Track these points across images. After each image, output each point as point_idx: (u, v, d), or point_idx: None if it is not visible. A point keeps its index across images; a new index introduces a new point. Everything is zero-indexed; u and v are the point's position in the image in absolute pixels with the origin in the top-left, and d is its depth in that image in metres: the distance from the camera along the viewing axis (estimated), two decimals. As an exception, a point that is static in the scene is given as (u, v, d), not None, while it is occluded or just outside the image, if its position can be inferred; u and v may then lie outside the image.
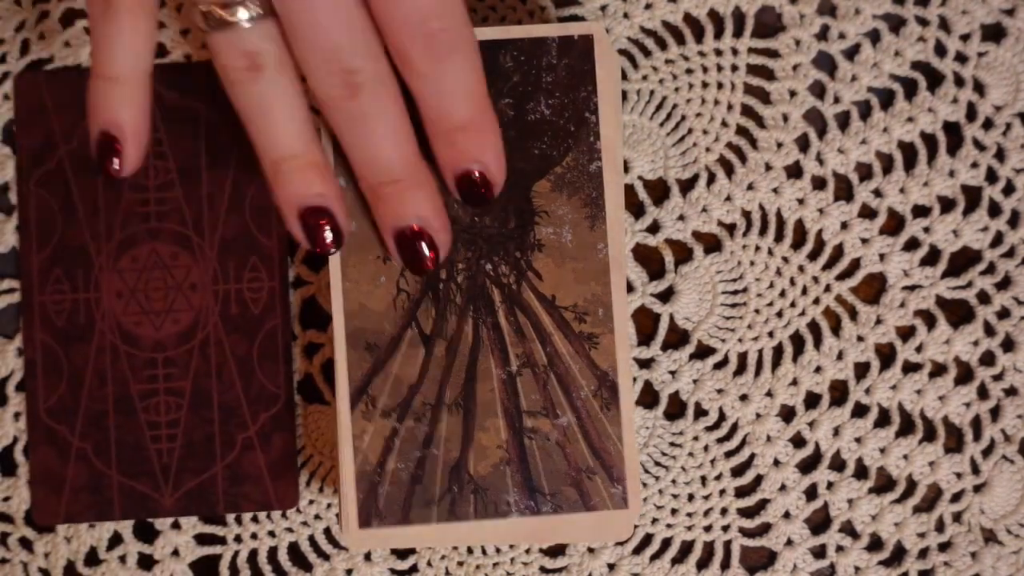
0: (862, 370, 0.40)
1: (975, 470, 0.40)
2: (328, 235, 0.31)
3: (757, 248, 0.40)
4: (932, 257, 0.40)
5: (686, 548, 0.40)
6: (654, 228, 0.40)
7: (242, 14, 0.28)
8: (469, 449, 0.34)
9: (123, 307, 0.37)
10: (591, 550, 0.39)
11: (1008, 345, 0.40)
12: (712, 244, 0.40)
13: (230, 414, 0.37)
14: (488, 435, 0.34)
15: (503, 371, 0.34)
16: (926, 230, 0.40)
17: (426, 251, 0.31)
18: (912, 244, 0.40)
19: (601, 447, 0.34)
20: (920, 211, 0.40)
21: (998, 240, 0.40)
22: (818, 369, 0.40)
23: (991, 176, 0.40)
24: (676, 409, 0.40)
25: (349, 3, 0.28)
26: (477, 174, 0.31)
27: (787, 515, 0.40)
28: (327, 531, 0.39)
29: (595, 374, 0.34)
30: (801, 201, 0.40)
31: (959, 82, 0.39)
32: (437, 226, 0.32)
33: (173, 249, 0.38)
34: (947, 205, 0.40)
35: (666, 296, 0.40)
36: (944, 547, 0.40)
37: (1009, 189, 0.40)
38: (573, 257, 0.34)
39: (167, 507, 0.37)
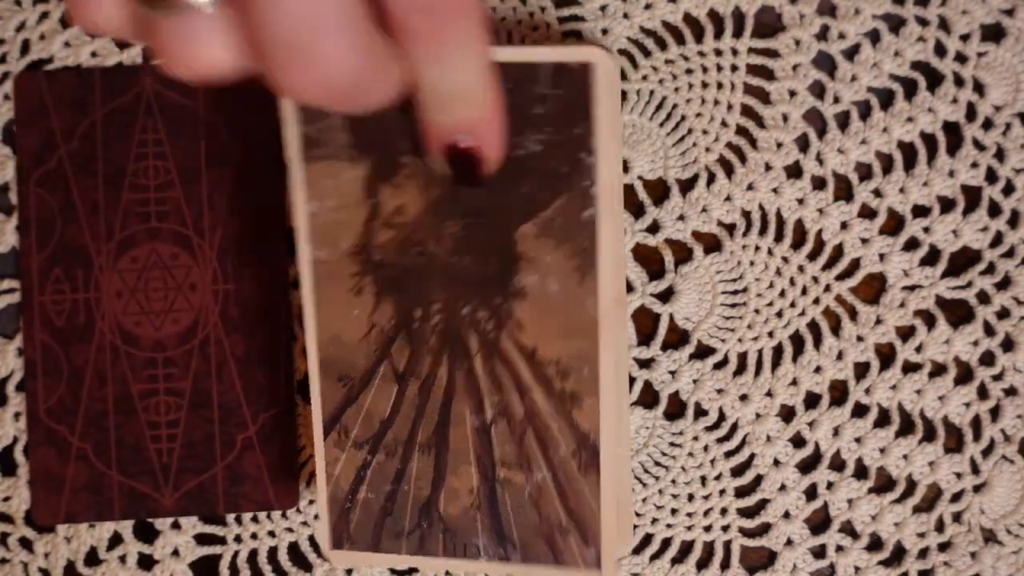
0: (862, 370, 0.40)
1: (975, 470, 0.40)
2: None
3: (757, 248, 0.40)
4: (932, 257, 0.40)
5: (686, 548, 0.40)
6: (654, 228, 0.40)
7: None
8: (440, 489, 0.33)
9: (123, 307, 0.37)
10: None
11: (1008, 345, 0.40)
12: (712, 244, 0.40)
13: (230, 414, 0.37)
14: (460, 479, 0.33)
15: (477, 419, 0.32)
16: (926, 230, 0.40)
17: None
18: (912, 244, 0.40)
19: (576, 507, 0.32)
20: (920, 211, 0.40)
21: (998, 240, 0.40)
22: (818, 369, 0.40)
23: (991, 176, 0.40)
24: (676, 409, 0.40)
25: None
26: (469, 146, 0.27)
27: (787, 515, 0.40)
28: (327, 531, 0.39)
29: (575, 434, 0.32)
30: (801, 201, 0.40)
31: (959, 82, 0.39)
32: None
33: (173, 249, 0.38)
34: (947, 205, 0.40)
35: (666, 296, 0.40)
36: (944, 547, 0.40)
37: (1009, 189, 0.40)
38: (558, 309, 0.31)
39: (167, 507, 0.37)
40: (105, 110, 0.38)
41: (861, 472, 0.40)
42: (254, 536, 0.39)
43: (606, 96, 0.30)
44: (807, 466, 0.40)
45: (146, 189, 0.38)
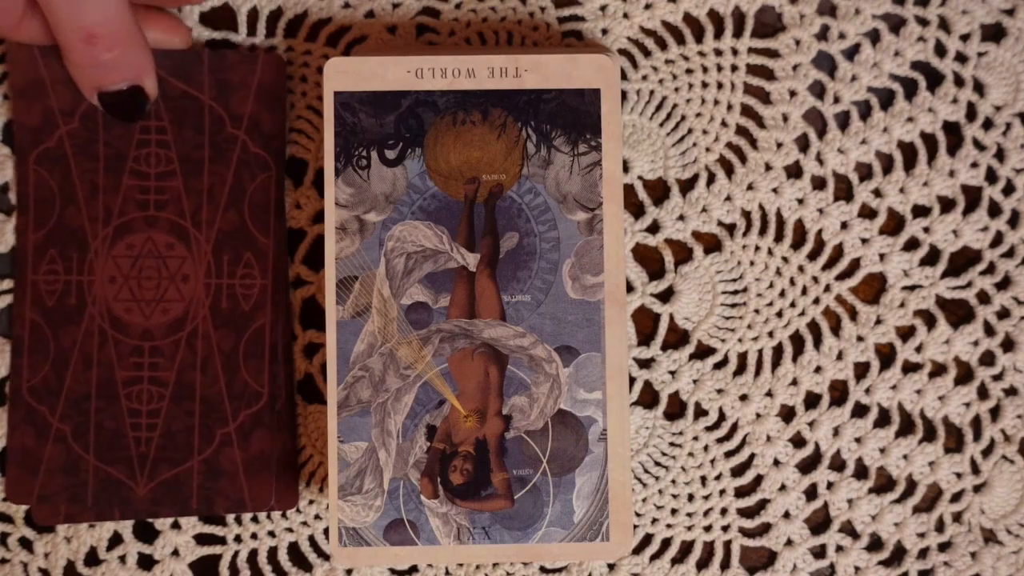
0: (862, 370, 0.40)
1: (975, 470, 0.40)
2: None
3: (757, 248, 0.40)
4: (932, 257, 0.40)
5: (686, 548, 0.40)
6: (654, 228, 0.40)
7: None
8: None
9: (115, 292, 0.37)
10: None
11: (1008, 345, 0.40)
12: (712, 244, 0.40)
13: (211, 409, 0.37)
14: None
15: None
16: (926, 230, 0.40)
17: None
18: (912, 244, 0.40)
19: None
20: (920, 211, 0.40)
21: (998, 240, 0.40)
22: (818, 369, 0.40)
23: (991, 176, 0.40)
24: (676, 409, 0.40)
25: None
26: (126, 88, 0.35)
27: (787, 515, 0.40)
28: (327, 531, 0.39)
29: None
30: (801, 201, 0.40)
31: (959, 82, 0.39)
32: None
33: (169, 239, 0.37)
34: (947, 205, 0.40)
35: (666, 296, 0.40)
36: (944, 547, 0.40)
37: (1009, 189, 0.40)
38: None
39: (140, 496, 0.37)
40: None
41: (861, 472, 0.40)
42: (254, 536, 0.39)
43: (611, 108, 0.33)
44: (807, 466, 0.40)
45: (147, 176, 0.37)
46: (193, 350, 0.37)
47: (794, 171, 0.40)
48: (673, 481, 0.40)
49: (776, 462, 0.40)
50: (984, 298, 0.40)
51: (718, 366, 0.40)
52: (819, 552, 0.40)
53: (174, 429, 0.37)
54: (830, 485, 0.40)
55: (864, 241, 0.40)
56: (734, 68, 0.39)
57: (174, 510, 0.37)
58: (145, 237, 0.37)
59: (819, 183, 0.40)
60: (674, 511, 0.40)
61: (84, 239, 0.37)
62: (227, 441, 0.37)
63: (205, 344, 0.37)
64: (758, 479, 0.40)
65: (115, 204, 0.37)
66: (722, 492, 0.40)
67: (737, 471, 0.40)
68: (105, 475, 0.37)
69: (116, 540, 0.39)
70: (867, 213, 0.40)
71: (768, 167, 0.39)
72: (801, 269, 0.40)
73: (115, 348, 0.37)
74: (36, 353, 0.37)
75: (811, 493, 0.40)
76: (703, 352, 0.40)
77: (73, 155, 0.37)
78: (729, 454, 0.40)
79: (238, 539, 0.39)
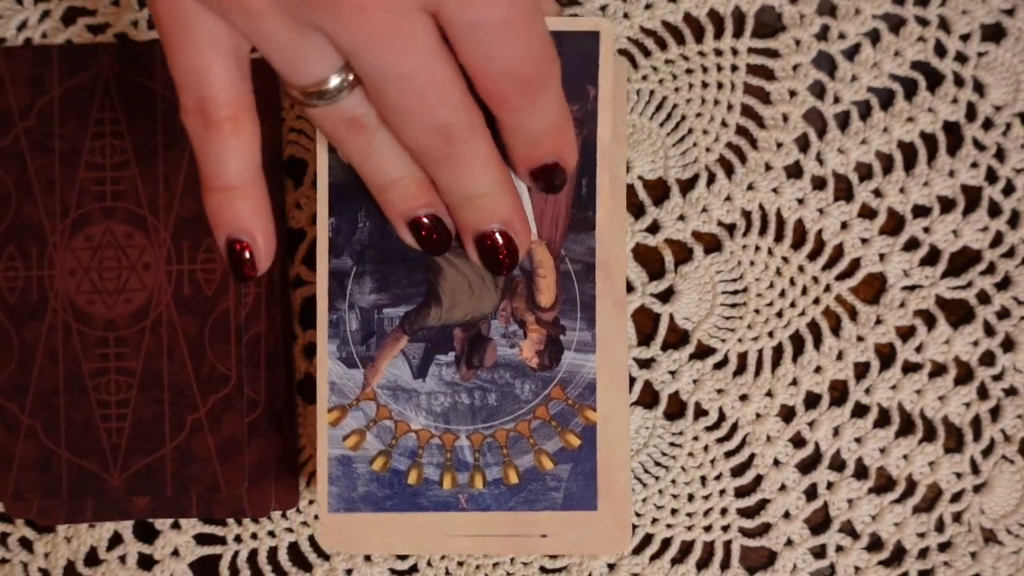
0: (862, 370, 0.40)
1: (975, 470, 0.40)
2: (435, 237, 0.32)
3: (757, 248, 0.40)
4: (932, 257, 0.40)
5: (686, 548, 0.40)
6: (654, 228, 0.40)
7: (333, 81, 0.28)
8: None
9: (76, 285, 0.37)
10: (591, 550, 0.39)
11: (1008, 345, 0.40)
12: (712, 244, 0.40)
13: (180, 395, 0.37)
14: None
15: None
16: (926, 230, 0.40)
17: (505, 253, 0.32)
18: (912, 244, 0.40)
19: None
20: (920, 211, 0.40)
21: (998, 240, 0.40)
22: (818, 369, 0.40)
23: (991, 176, 0.40)
24: (676, 409, 0.40)
25: (435, 64, 0.27)
26: (554, 164, 0.31)
27: (787, 515, 0.40)
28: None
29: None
30: (801, 201, 0.40)
31: (959, 82, 0.39)
32: (518, 228, 0.32)
33: (128, 228, 0.37)
34: (947, 205, 0.40)
35: (666, 296, 0.40)
36: (944, 547, 0.40)
37: (1009, 189, 0.40)
38: None
39: (115, 487, 0.37)
40: (63, 88, 0.37)
41: (861, 472, 0.40)
42: (254, 536, 0.39)
43: (609, 61, 0.32)
44: (807, 466, 0.40)
45: (102, 168, 0.37)
46: (158, 338, 0.37)
47: (794, 171, 0.40)
48: (673, 481, 0.40)
49: (776, 462, 0.40)
50: (984, 298, 0.40)
51: (718, 366, 0.40)
52: (819, 552, 0.40)
53: (144, 418, 0.37)
54: (830, 485, 0.40)
55: (864, 241, 0.40)
56: (734, 68, 0.39)
57: (149, 498, 0.37)
58: (104, 228, 0.37)
59: (819, 183, 0.40)
60: (674, 511, 0.40)
61: (42, 234, 0.37)
62: (198, 427, 0.37)
63: (170, 331, 0.37)
64: (758, 479, 0.40)
65: (72, 197, 0.37)
66: (722, 492, 0.40)
67: (737, 471, 0.40)
68: (78, 468, 0.37)
69: (116, 540, 0.39)
70: (867, 213, 0.40)
71: (768, 167, 0.39)
72: (801, 269, 0.40)
73: (80, 340, 0.37)
74: (1, 351, 0.37)
75: (811, 493, 0.40)
76: (703, 352, 0.40)
77: (29, 152, 0.37)
78: (729, 454, 0.40)
79: (238, 539, 0.39)
